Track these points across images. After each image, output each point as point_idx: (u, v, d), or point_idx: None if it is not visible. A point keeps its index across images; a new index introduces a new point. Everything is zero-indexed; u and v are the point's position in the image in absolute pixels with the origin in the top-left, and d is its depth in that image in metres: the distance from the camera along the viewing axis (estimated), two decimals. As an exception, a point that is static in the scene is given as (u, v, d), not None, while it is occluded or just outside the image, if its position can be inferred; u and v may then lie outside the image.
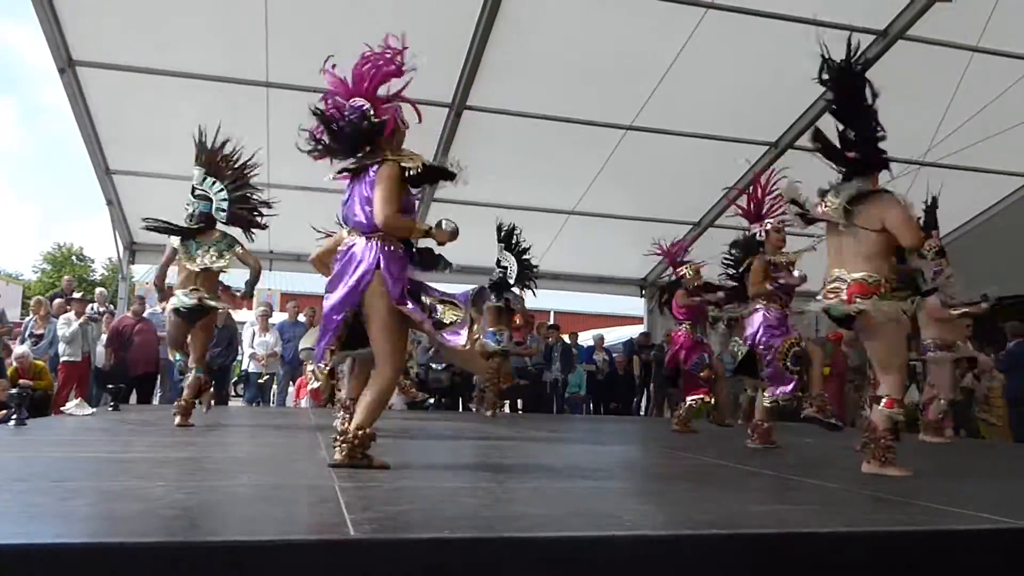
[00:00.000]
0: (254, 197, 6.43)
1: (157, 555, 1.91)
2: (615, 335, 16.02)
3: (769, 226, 6.26)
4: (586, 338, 14.64)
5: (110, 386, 8.15)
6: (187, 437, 5.25)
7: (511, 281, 9.21)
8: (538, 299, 14.79)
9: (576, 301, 19.14)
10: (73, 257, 34.99)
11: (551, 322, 14.68)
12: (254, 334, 11.00)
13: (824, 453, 5.98)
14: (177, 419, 5.91)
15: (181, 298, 6.10)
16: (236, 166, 6.37)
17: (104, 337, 10.29)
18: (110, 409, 7.42)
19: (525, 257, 9.36)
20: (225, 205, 6.21)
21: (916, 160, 10.67)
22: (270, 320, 11.45)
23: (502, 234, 9.39)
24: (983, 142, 9.97)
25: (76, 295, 11.56)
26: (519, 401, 12.38)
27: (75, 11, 8.61)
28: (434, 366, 11.32)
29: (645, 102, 9.88)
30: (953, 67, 9.40)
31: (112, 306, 12.05)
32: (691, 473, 4.34)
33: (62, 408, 7.71)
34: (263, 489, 3.03)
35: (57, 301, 10.87)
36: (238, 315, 11.49)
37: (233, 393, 12.94)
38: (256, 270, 6.55)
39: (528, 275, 9.37)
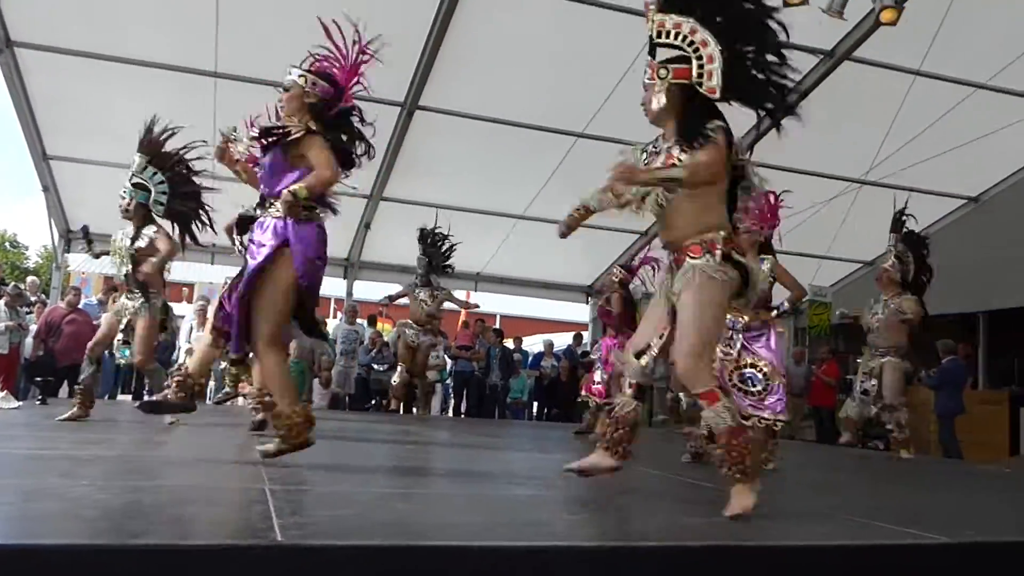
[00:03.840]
0: (200, 194, 6.21)
1: (74, 558, 1.83)
2: (564, 340, 16.10)
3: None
4: (533, 342, 14.66)
5: (38, 379, 7.90)
6: (115, 435, 5.10)
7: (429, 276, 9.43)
8: (484, 302, 14.79)
9: (522, 305, 19.13)
10: (6, 243, 33.88)
11: (496, 326, 14.69)
12: (191, 328, 10.76)
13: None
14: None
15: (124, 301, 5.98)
16: (180, 159, 6.17)
17: (34, 328, 9.97)
18: (37, 403, 7.19)
19: (438, 252, 9.49)
20: (164, 199, 6.01)
21: (858, 179, 10.95)
22: (207, 315, 11.21)
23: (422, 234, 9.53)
24: (923, 163, 10.26)
25: (7, 284, 11.14)
26: (463, 404, 12.38)
27: (15, -11, 8.36)
28: (376, 367, 11.21)
29: (598, 110, 9.92)
30: (896, 89, 9.64)
31: (44, 296, 11.69)
32: (630, 484, 4.34)
33: (-14, 400, 7.44)
34: (190, 491, 2.95)
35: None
36: (178, 309, 11.25)
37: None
38: (167, 253, 6.00)
39: (439, 269, 9.51)
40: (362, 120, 3.88)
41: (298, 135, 3.58)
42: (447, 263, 9.54)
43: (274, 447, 3.53)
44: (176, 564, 1.88)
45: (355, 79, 3.88)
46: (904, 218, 7.96)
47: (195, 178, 6.24)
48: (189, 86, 9.33)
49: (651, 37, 3.23)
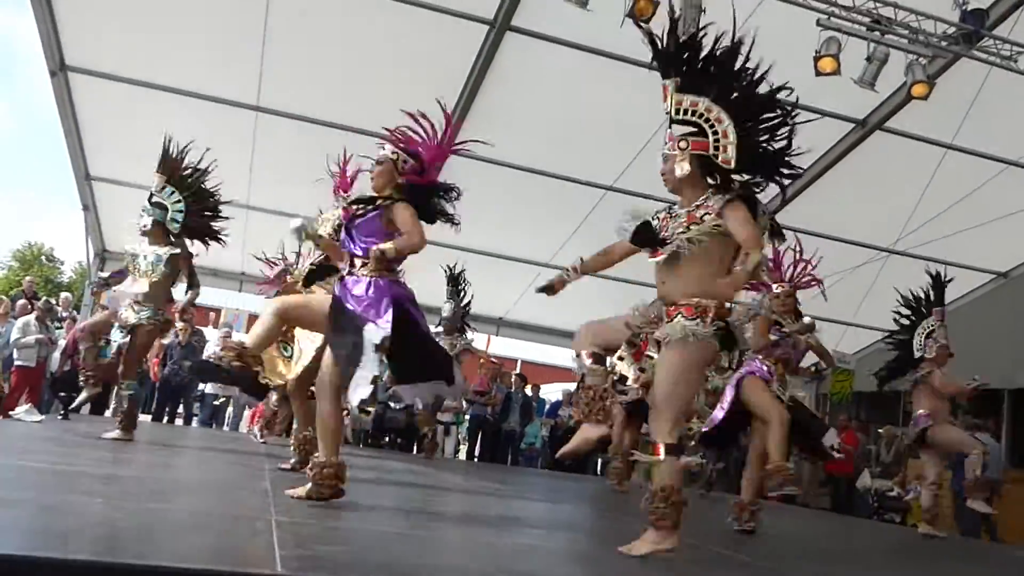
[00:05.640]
0: (213, 206, 6.42)
1: (78, 573, 1.90)
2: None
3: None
4: (551, 391, 14.63)
5: (62, 394, 8.04)
6: (133, 455, 5.19)
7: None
8: (505, 348, 14.78)
9: (543, 352, 19.13)
10: (42, 257, 34.52)
11: (518, 371, 14.66)
12: (215, 355, 10.89)
13: (764, 529, 5.99)
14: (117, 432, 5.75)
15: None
16: (194, 177, 6.34)
17: (62, 343, 10.15)
18: (59, 418, 7.32)
19: (463, 298, 9.24)
20: (180, 216, 6.15)
21: (886, 247, 10.94)
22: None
23: (449, 276, 9.32)
24: (952, 236, 10.24)
25: (40, 298, 11.38)
26: (476, 448, 12.36)
27: (73, 15, 8.66)
28: (392, 405, 11.26)
29: (627, 166, 10.04)
30: (927, 161, 9.68)
31: (76, 312, 11.91)
32: (627, 539, 4.34)
33: (11, 412, 7.58)
34: (199, 516, 3.02)
35: (20, 303, 10.71)
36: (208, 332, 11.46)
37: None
38: (189, 276, 6.34)
39: (463, 316, 9.24)
40: (446, 197, 4.11)
41: (389, 203, 3.85)
42: (466, 313, 9.29)
43: (304, 491, 3.56)
44: (177, 587, 1.94)
45: (440, 161, 4.13)
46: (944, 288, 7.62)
47: (211, 197, 6.45)
48: (231, 117, 9.60)
49: (670, 114, 3.44)
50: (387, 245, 3.74)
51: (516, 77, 9.08)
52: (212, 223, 6.44)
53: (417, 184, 4.00)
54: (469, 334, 9.41)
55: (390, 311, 3.65)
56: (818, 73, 7.61)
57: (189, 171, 6.34)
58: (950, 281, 7.65)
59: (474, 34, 8.62)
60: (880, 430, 11.53)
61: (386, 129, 4.15)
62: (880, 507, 10.71)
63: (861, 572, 4.31)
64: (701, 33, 3.42)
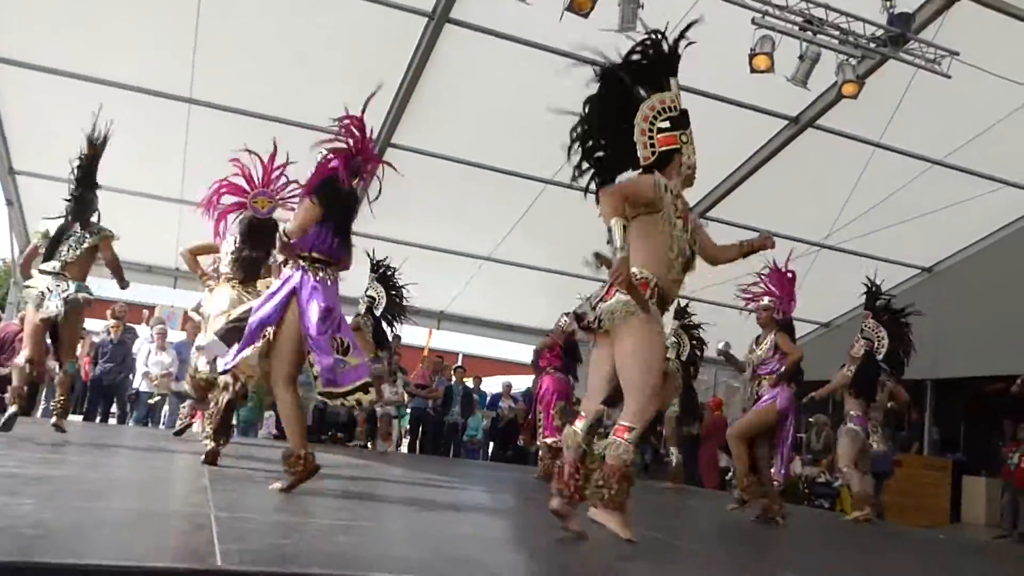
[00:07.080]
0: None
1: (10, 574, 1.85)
2: (524, 383, 16.07)
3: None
4: (493, 383, 14.67)
5: (-12, 394, 7.76)
6: (65, 455, 5.05)
7: (378, 312, 9.02)
8: (446, 341, 14.72)
9: (484, 346, 19.16)
10: (-37, 254, 33.14)
11: (459, 364, 14.64)
12: (150, 352, 10.65)
13: (716, 518, 6.13)
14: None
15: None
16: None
17: (-14, 342, 9.80)
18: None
19: (395, 290, 9.07)
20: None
21: (817, 242, 11.24)
22: (168, 339, 11.11)
23: (373, 265, 9.12)
24: (880, 232, 10.58)
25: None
26: (417, 442, 12.32)
27: (-4, 4, 8.37)
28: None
29: (566, 160, 10.09)
30: (857, 159, 9.98)
31: (0, 311, 11.52)
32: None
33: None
34: (136, 513, 2.96)
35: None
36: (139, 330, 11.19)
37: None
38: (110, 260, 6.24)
39: (398, 307, 9.11)
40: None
41: None
42: (402, 306, 9.11)
43: (285, 483, 3.85)
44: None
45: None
46: (878, 294, 7.98)
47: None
48: (163, 110, 9.35)
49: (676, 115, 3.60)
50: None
51: (455, 70, 9.06)
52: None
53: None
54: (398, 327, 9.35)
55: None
56: (752, 70, 7.80)
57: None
58: (879, 285, 7.98)
59: (413, 26, 8.57)
60: (811, 419, 11.83)
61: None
62: (811, 493, 11.01)
63: (795, 555, 4.43)
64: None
